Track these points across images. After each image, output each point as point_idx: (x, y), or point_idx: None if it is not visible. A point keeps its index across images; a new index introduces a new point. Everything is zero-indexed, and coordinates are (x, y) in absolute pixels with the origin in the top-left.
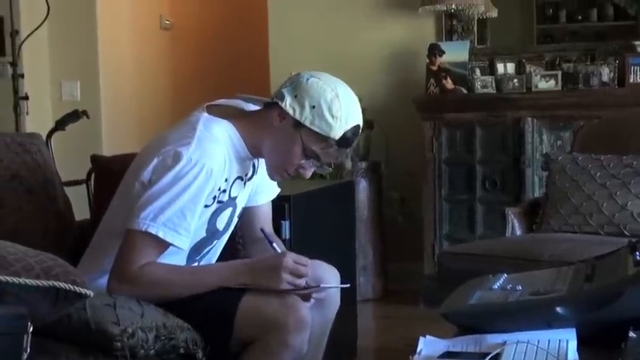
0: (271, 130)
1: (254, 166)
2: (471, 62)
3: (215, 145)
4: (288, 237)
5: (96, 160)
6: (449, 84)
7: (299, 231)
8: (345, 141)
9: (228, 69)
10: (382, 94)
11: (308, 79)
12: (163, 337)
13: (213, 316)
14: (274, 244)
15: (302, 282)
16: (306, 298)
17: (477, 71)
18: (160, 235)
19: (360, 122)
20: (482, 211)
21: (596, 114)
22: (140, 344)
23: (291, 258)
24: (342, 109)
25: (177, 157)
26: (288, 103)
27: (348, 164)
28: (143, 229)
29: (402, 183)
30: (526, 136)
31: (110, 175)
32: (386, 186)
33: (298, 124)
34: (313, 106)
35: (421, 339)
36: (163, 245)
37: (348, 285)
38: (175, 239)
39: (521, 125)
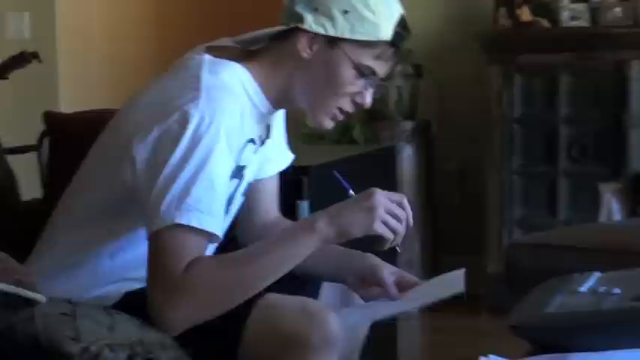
0: (302, 65)
1: (268, 126)
2: None
3: (228, 96)
4: None
5: (51, 118)
6: (525, 14)
7: None
8: (398, 38)
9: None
10: (434, 30)
11: None
12: (139, 359)
13: (212, 328)
14: (351, 192)
15: (401, 228)
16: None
17: None
18: (194, 223)
19: (402, 10)
20: (568, 188)
21: None
22: None
23: (382, 195)
24: (380, 0)
25: (185, 119)
26: (311, 22)
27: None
28: (170, 223)
29: (460, 150)
30: (630, 85)
31: (70, 139)
32: (438, 154)
33: (335, 41)
34: (346, 11)
35: None
36: (202, 235)
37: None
38: (212, 224)
39: (625, 71)
